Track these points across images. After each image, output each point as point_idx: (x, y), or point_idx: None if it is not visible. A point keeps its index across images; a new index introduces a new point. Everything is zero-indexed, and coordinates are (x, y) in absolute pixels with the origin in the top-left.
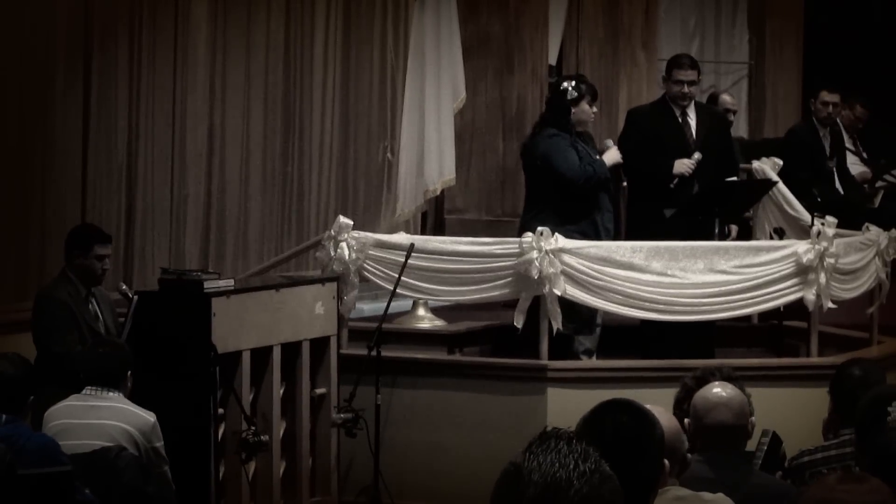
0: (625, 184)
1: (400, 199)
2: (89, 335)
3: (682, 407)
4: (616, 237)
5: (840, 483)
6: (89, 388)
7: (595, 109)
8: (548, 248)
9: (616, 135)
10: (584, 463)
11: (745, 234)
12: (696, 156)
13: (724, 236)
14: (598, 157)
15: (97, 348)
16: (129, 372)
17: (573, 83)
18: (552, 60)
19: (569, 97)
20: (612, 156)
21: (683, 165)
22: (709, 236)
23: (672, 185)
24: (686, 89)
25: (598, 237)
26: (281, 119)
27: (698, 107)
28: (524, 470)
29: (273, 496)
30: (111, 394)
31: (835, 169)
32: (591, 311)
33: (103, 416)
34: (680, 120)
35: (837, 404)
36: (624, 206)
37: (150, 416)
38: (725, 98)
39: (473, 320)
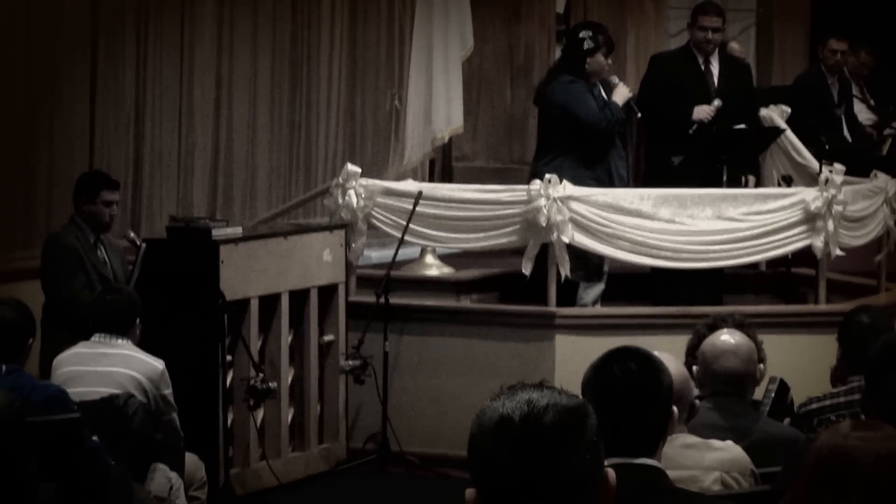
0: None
1: (408, 146)
2: (97, 281)
3: (693, 354)
4: (628, 184)
5: (854, 430)
6: (98, 334)
7: (610, 62)
8: (556, 195)
9: (624, 80)
10: (561, 396)
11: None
12: (717, 102)
13: (741, 186)
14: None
15: (106, 295)
16: (138, 319)
17: (591, 33)
18: (560, 9)
19: (585, 47)
20: (621, 93)
21: (703, 111)
22: (718, 184)
23: (691, 132)
24: (710, 35)
25: (611, 184)
26: (289, 68)
27: (722, 55)
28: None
29: (281, 443)
30: (120, 341)
31: (843, 116)
32: (600, 259)
33: (112, 364)
34: (703, 67)
35: (846, 352)
36: (632, 150)
37: (158, 364)
38: (733, 46)
39: (481, 267)
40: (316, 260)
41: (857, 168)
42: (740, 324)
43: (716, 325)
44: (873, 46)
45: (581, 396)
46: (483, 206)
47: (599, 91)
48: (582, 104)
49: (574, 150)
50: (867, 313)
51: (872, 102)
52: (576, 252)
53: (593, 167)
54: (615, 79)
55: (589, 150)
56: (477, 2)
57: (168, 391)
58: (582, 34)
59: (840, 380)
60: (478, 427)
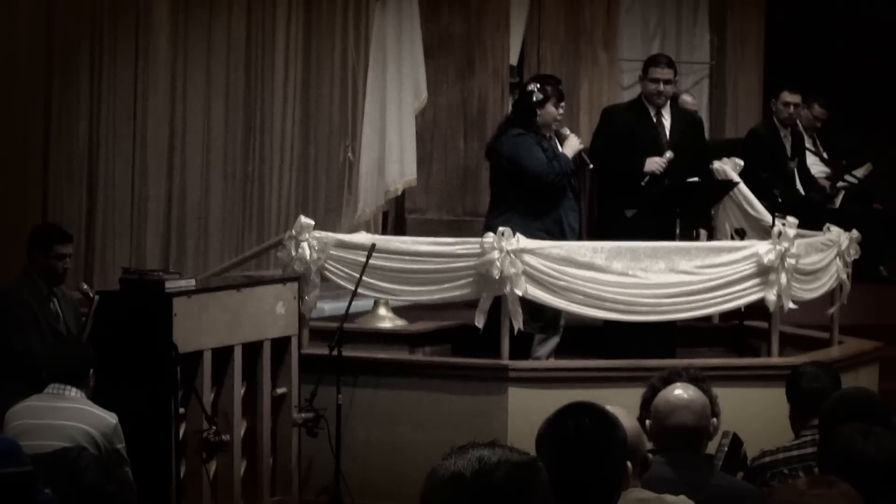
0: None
1: (361, 199)
2: (50, 334)
3: (648, 407)
4: (581, 235)
5: (810, 487)
6: (52, 385)
7: (561, 111)
8: (509, 248)
9: (577, 132)
10: (511, 453)
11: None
12: (668, 154)
13: (693, 240)
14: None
15: (60, 346)
16: (92, 370)
17: (538, 85)
18: (513, 60)
19: (535, 99)
20: (571, 144)
21: (655, 163)
22: (671, 236)
23: (643, 183)
24: (662, 88)
25: (562, 235)
26: (242, 119)
27: (674, 108)
28: (451, 467)
29: (234, 496)
30: (73, 392)
31: (796, 169)
32: (556, 313)
33: (64, 417)
34: (654, 119)
35: (795, 406)
36: (585, 202)
37: (111, 418)
38: (685, 98)
39: (435, 320)
40: (269, 312)
41: (810, 221)
42: (695, 378)
43: (670, 378)
44: (826, 97)
45: (535, 451)
46: (436, 259)
47: (550, 143)
48: (529, 156)
49: (524, 202)
50: (813, 367)
51: (825, 155)
52: (531, 305)
53: (543, 219)
54: (566, 130)
55: (538, 203)
56: (431, 53)
57: (121, 445)
58: (530, 87)
59: (793, 432)
60: (430, 485)
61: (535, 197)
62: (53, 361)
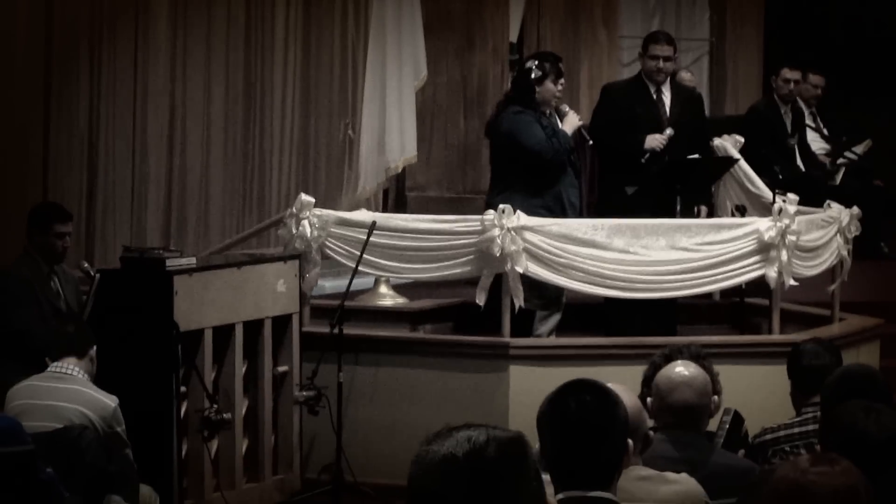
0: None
1: (361, 176)
2: (50, 313)
3: (649, 385)
4: (581, 212)
5: (812, 465)
6: (54, 364)
7: (560, 88)
8: (509, 225)
9: (577, 109)
10: (496, 430)
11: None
12: (668, 131)
13: (693, 216)
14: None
15: (60, 324)
16: (94, 347)
17: (537, 62)
18: (513, 38)
19: (533, 76)
20: (571, 121)
21: (655, 140)
22: (671, 213)
23: (643, 160)
24: (661, 64)
25: (563, 212)
26: (242, 97)
27: (673, 85)
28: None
29: (235, 474)
30: (75, 372)
31: (796, 146)
32: (557, 290)
33: (63, 399)
34: (654, 97)
35: (796, 383)
36: (586, 179)
37: (110, 401)
38: (684, 75)
39: (435, 298)
40: (270, 290)
41: (811, 198)
42: (697, 355)
43: (672, 356)
44: (820, 69)
45: (537, 429)
46: (437, 237)
47: (550, 120)
48: (528, 134)
49: (523, 180)
50: (814, 344)
51: (826, 132)
52: (532, 282)
53: (543, 196)
54: (565, 107)
55: (538, 180)
56: (430, 32)
57: (120, 428)
58: (529, 64)
59: (795, 410)
60: (420, 470)
61: (535, 174)
62: (53, 339)
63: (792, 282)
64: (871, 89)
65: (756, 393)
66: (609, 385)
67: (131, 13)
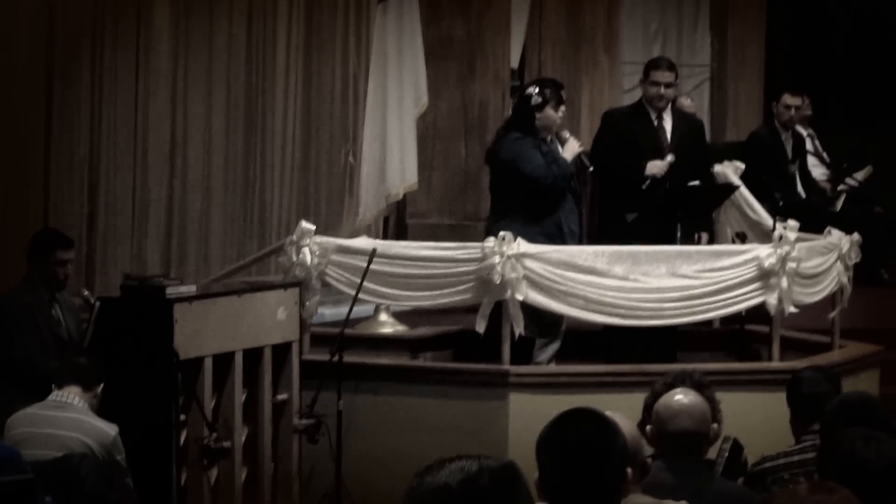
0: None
1: (362, 203)
2: (51, 341)
3: (651, 412)
4: (581, 239)
5: (811, 493)
6: (56, 393)
7: (561, 114)
8: (510, 252)
9: (578, 135)
10: (488, 460)
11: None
12: (669, 157)
13: (694, 243)
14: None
15: (71, 354)
16: (101, 385)
17: (537, 88)
18: (514, 64)
19: (533, 103)
20: (571, 147)
21: (656, 167)
22: (672, 240)
23: (644, 187)
24: (663, 91)
25: (562, 239)
26: (243, 123)
27: (675, 111)
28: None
29: (235, 503)
30: (76, 401)
31: (797, 172)
32: (557, 317)
33: (63, 427)
34: (655, 123)
35: (795, 411)
36: (587, 205)
37: (110, 430)
38: (684, 101)
39: (435, 325)
40: (270, 318)
41: (811, 224)
42: (699, 383)
43: (674, 383)
44: (826, 99)
45: (536, 457)
46: (437, 264)
47: (550, 147)
48: (527, 160)
49: (523, 207)
50: (813, 372)
51: (826, 158)
52: (532, 310)
53: (543, 223)
54: (566, 133)
55: (538, 207)
56: (432, 57)
57: (121, 457)
58: (529, 90)
59: (794, 438)
60: (414, 501)
61: (535, 201)
62: (60, 366)
63: (792, 309)
64: (872, 116)
65: (755, 420)
66: (607, 413)
67: (132, 38)
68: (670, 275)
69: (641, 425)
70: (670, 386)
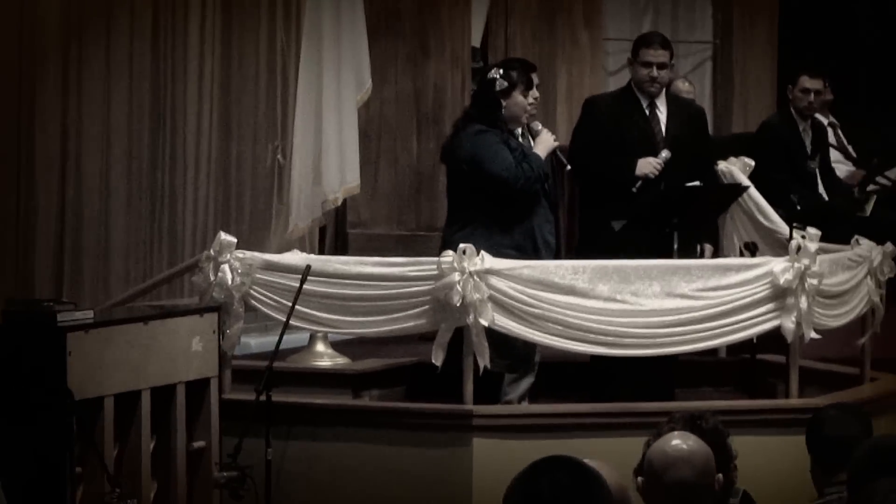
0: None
1: (293, 211)
2: None
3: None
4: (559, 252)
5: None
6: None
7: (532, 100)
8: (472, 268)
9: (554, 126)
10: None
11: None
12: (665, 154)
13: (695, 256)
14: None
15: None
16: None
17: (503, 71)
18: (476, 42)
19: (498, 88)
20: (545, 142)
21: (649, 165)
22: (668, 253)
23: (634, 189)
24: (655, 73)
25: (536, 252)
26: (149, 117)
27: (670, 97)
28: None
29: None
30: None
31: (817, 170)
32: (530, 346)
33: None
34: (647, 112)
35: (817, 457)
36: (564, 212)
37: None
38: (681, 86)
39: (383, 357)
40: (183, 350)
41: (836, 232)
42: (714, 429)
43: (682, 426)
44: (860, 82)
45: None
46: (384, 284)
47: (520, 141)
48: (493, 158)
49: (488, 213)
50: (838, 411)
51: (852, 152)
52: (500, 338)
53: (512, 233)
54: (538, 125)
55: (506, 213)
56: (376, 35)
57: None
58: (492, 73)
59: (816, 490)
60: None
61: (502, 206)
62: None
63: (813, 334)
64: None
65: (770, 469)
66: (588, 462)
67: (16, 10)
68: (666, 294)
69: (636, 475)
70: (685, 425)
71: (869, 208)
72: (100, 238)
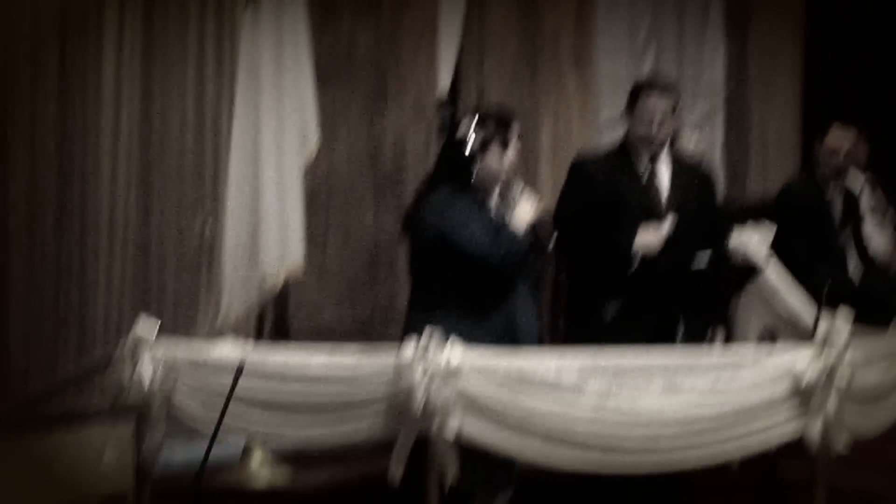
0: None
1: (225, 293)
2: None
3: None
4: (541, 342)
5: None
6: None
7: (512, 153)
8: (438, 363)
9: (537, 188)
10: None
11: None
12: (668, 223)
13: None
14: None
15: None
16: None
17: (473, 123)
18: (444, 85)
19: (470, 144)
20: (524, 211)
21: (649, 236)
22: (671, 339)
23: (632, 269)
24: (656, 126)
25: (514, 342)
26: (54, 176)
27: (674, 156)
28: None
29: None
30: None
31: (849, 241)
32: (507, 459)
33: None
34: (646, 173)
35: None
36: (549, 295)
37: None
38: (687, 140)
39: (332, 471)
40: (93, 464)
41: (871, 317)
42: None
43: None
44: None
45: None
46: (333, 383)
47: (498, 207)
48: (463, 228)
49: (458, 295)
50: None
51: (893, 216)
52: (471, 448)
53: (486, 319)
54: (519, 187)
55: (480, 295)
56: (325, 78)
57: None
58: (464, 126)
59: None
60: None
61: (475, 286)
62: None
63: (844, 443)
64: None
65: None
66: None
67: None
68: (668, 393)
69: None
70: None
71: None
72: None
